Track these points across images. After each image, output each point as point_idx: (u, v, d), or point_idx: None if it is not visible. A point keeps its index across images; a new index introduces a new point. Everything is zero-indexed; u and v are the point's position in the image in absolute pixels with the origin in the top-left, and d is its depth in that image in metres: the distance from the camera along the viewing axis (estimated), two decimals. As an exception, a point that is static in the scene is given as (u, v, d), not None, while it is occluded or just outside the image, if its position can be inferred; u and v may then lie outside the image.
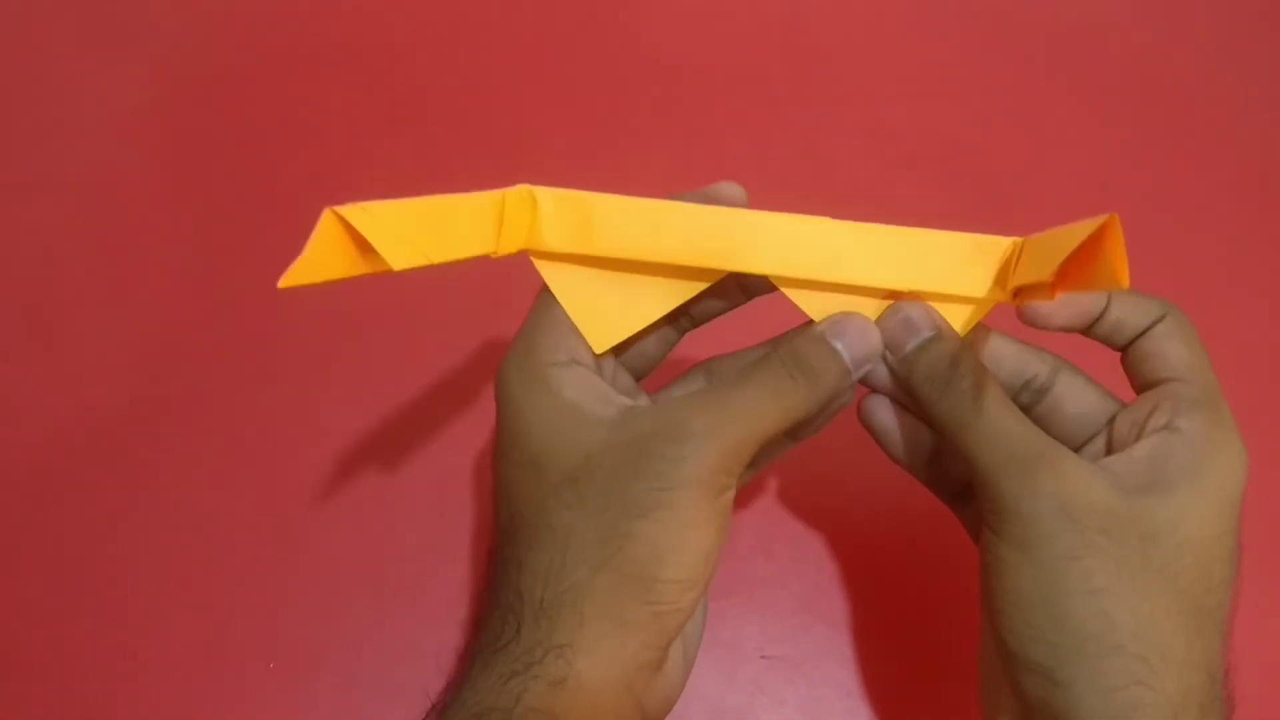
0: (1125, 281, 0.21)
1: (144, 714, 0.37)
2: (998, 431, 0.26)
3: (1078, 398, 0.29)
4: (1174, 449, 0.26)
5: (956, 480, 0.31)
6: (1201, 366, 0.27)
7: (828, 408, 0.29)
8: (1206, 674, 0.25)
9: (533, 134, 0.50)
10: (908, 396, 0.29)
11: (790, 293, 0.29)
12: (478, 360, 0.44)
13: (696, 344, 0.32)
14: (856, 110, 0.51)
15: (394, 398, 0.43)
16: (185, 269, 0.46)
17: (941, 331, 0.28)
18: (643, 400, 0.30)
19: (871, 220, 0.28)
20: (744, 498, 0.41)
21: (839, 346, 0.28)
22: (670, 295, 0.29)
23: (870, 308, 0.29)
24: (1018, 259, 0.27)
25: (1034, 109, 0.52)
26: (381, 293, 0.45)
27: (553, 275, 0.29)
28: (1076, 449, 0.28)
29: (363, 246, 0.24)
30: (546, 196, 0.28)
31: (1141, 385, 0.28)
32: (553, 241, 0.28)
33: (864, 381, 0.30)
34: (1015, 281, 0.27)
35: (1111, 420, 0.29)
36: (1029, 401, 0.29)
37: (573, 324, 0.28)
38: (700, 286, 0.29)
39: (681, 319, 0.31)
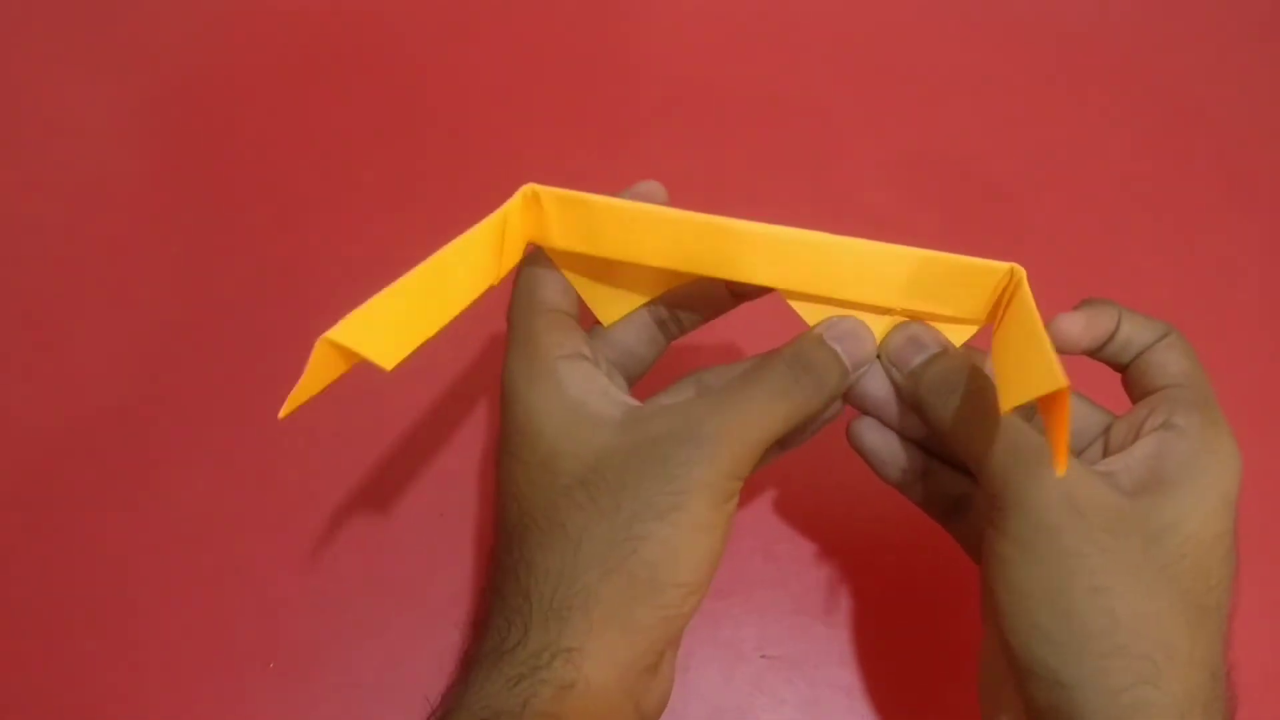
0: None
1: (144, 714, 0.37)
2: (1006, 428, 0.26)
3: (1072, 411, 0.29)
4: (1172, 447, 0.26)
5: (947, 497, 0.31)
6: (1199, 376, 0.28)
7: (820, 415, 0.30)
8: (1209, 672, 0.25)
9: (532, 143, 0.50)
10: (908, 410, 0.30)
11: (792, 302, 0.30)
12: (479, 361, 0.44)
13: (686, 352, 0.32)
14: (857, 119, 0.51)
15: (394, 398, 0.43)
16: (185, 269, 0.46)
17: (947, 349, 0.29)
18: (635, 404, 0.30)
19: (874, 230, 0.28)
20: (744, 498, 0.41)
21: (838, 349, 0.29)
22: (675, 276, 0.30)
23: (879, 324, 0.30)
24: (1013, 287, 0.27)
25: (1037, 115, 0.52)
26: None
27: (559, 256, 0.30)
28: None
29: (348, 355, 0.24)
30: (550, 196, 0.29)
31: (1139, 395, 0.29)
32: (558, 239, 0.29)
33: (853, 403, 0.31)
34: (1005, 310, 0.28)
35: (1106, 431, 0.29)
36: (1025, 416, 0.29)
37: (567, 317, 0.29)
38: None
39: (669, 325, 0.31)
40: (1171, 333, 0.29)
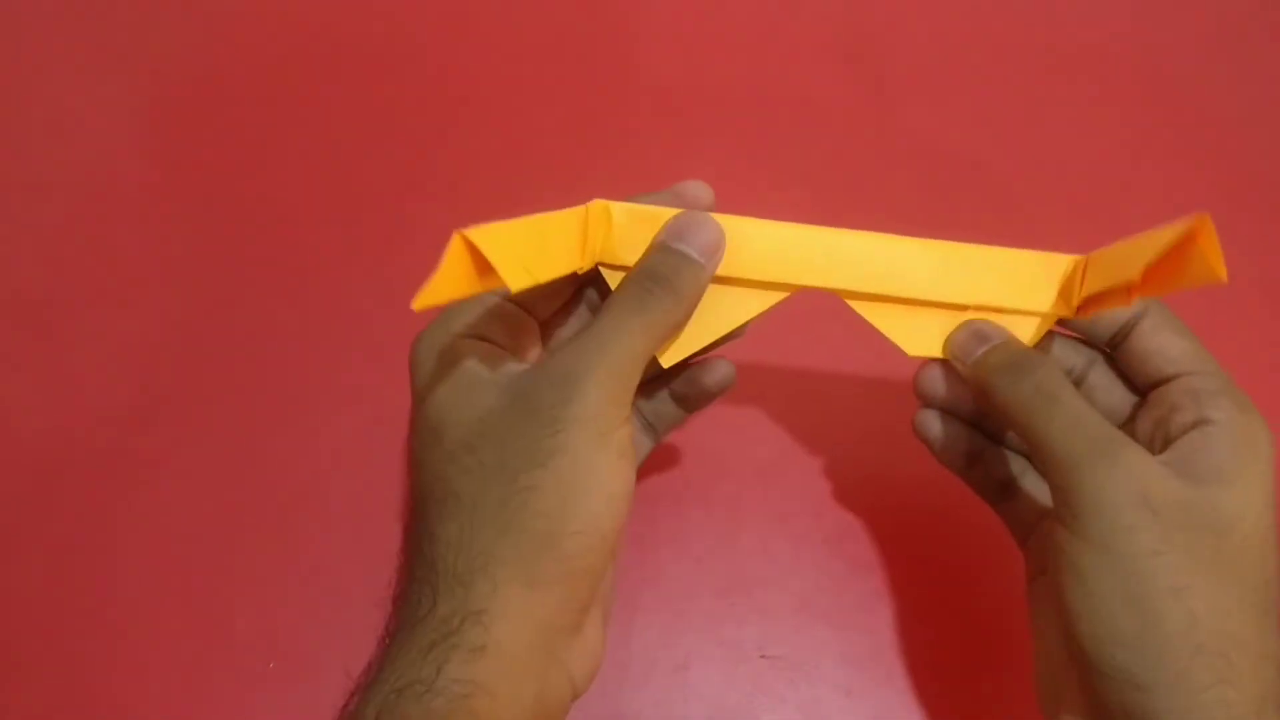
0: (1224, 275, 0.22)
1: (144, 714, 0.37)
2: (1074, 417, 0.26)
3: (1107, 389, 0.30)
4: (1216, 442, 0.26)
5: (999, 480, 0.32)
6: (1205, 354, 0.28)
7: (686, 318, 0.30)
8: (1276, 666, 0.24)
9: (533, 143, 0.50)
10: (973, 399, 0.31)
11: (858, 306, 0.30)
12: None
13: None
14: (856, 123, 0.51)
15: (394, 397, 0.43)
16: (185, 269, 0.46)
17: (1010, 339, 0.29)
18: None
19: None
20: (744, 497, 0.41)
21: (682, 247, 0.28)
22: (737, 310, 0.30)
23: (940, 320, 0.30)
24: (1082, 275, 0.28)
25: (1039, 114, 0.52)
26: (380, 292, 0.45)
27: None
28: None
29: (481, 268, 0.24)
30: (620, 211, 0.29)
31: (1147, 384, 0.29)
32: (625, 255, 0.29)
33: (919, 395, 0.32)
34: (1085, 292, 0.27)
35: (1132, 416, 0.29)
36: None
37: (499, 308, 0.29)
38: (772, 300, 0.30)
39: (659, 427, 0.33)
40: (1150, 307, 0.28)
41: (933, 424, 0.32)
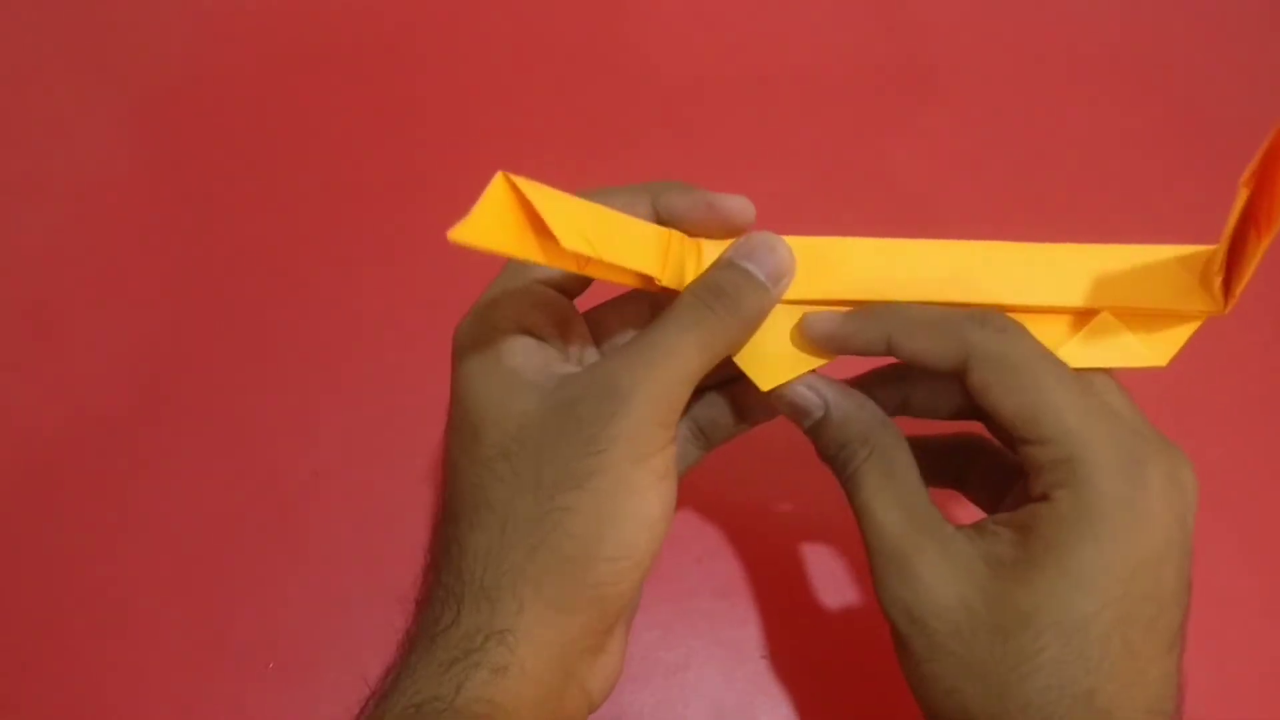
0: None
1: (144, 714, 0.37)
2: (868, 524, 0.26)
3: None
4: (1039, 525, 0.24)
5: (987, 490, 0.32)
6: (1047, 411, 0.24)
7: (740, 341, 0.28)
8: None
9: (532, 144, 0.50)
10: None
11: None
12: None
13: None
14: (860, 120, 0.51)
15: (394, 397, 0.43)
16: (184, 269, 0.46)
17: (829, 411, 0.28)
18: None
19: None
20: (745, 497, 0.41)
21: (750, 266, 0.27)
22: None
23: (1062, 328, 0.27)
24: (1222, 261, 0.25)
25: (1040, 112, 0.52)
26: (379, 291, 0.45)
27: None
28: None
29: (533, 224, 0.22)
30: (711, 248, 0.27)
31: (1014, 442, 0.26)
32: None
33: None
34: (1221, 273, 0.25)
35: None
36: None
37: (546, 299, 0.27)
38: None
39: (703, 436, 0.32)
40: (972, 355, 0.25)
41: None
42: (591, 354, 0.29)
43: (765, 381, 0.28)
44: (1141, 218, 0.48)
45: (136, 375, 0.44)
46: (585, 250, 0.23)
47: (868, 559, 0.27)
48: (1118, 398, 0.26)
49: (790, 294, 0.28)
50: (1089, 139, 0.51)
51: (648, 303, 0.30)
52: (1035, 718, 0.23)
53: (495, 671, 0.24)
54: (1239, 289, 0.25)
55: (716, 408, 0.31)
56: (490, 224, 0.21)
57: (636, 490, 0.24)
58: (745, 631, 0.39)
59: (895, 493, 0.26)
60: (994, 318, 0.26)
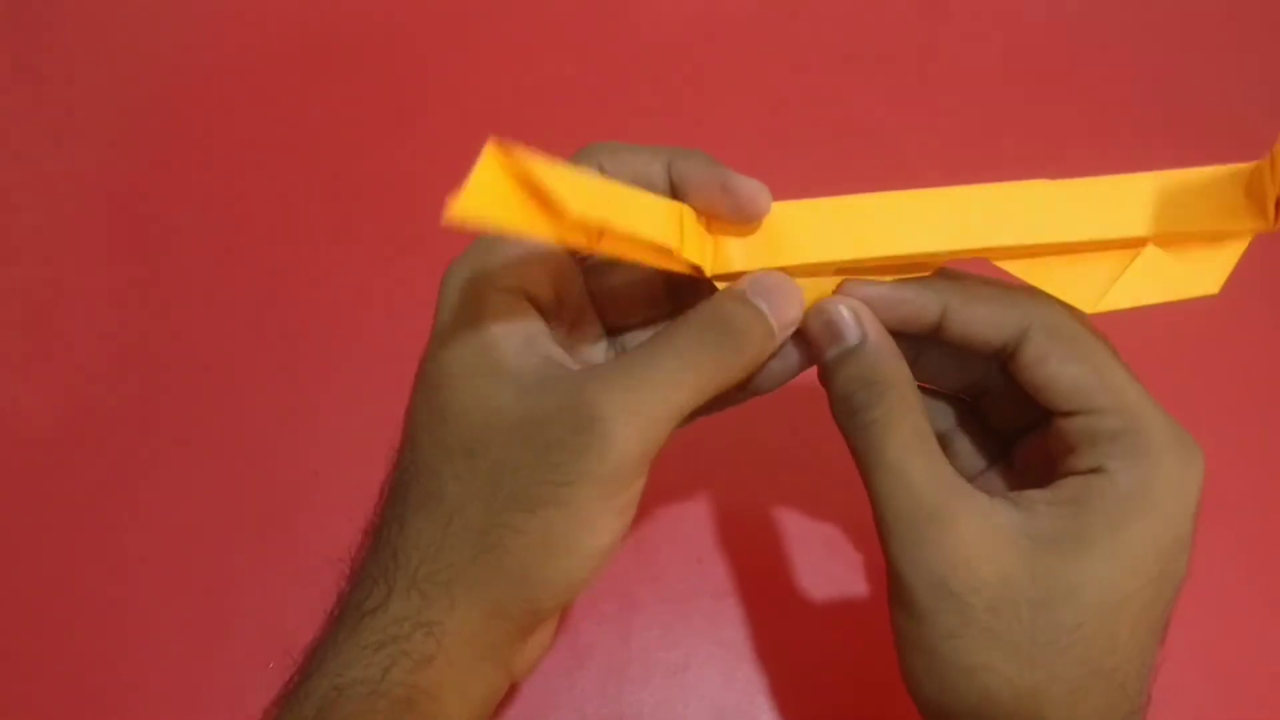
0: None
1: (144, 714, 0.37)
2: (896, 481, 0.24)
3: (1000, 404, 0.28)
4: (1094, 498, 0.23)
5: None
6: (1108, 379, 0.24)
7: (748, 386, 0.27)
8: None
9: (531, 143, 0.50)
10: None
11: (1011, 266, 0.26)
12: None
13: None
14: (862, 97, 0.51)
15: (395, 397, 0.43)
16: (184, 269, 0.46)
17: (867, 342, 0.25)
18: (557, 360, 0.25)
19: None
20: (746, 496, 0.41)
21: (764, 307, 0.25)
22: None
23: (1110, 263, 0.26)
24: (1272, 173, 0.24)
25: (1040, 112, 0.52)
26: (380, 291, 0.45)
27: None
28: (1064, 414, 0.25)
29: (537, 196, 0.20)
30: (729, 241, 0.26)
31: (1045, 408, 0.25)
32: (740, 261, 0.26)
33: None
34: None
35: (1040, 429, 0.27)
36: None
37: (550, 258, 0.25)
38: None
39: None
40: (1033, 324, 0.25)
41: None
42: (589, 320, 0.28)
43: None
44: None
45: (136, 375, 0.44)
46: (595, 217, 0.21)
47: (885, 522, 0.24)
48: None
49: (826, 256, 0.26)
50: (1090, 140, 0.51)
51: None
52: (1060, 691, 0.23)
53: (421, 661, 0.23)
54: None
55: None
56: (489, 197, 0.19)
57: (592, 526, 0.23)
58: (745, 631, 0.39)
59: (928, 453, 0.24)
60: (1050, 297, 0.25)
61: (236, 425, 0.42)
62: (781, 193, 0.26)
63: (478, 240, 0.25)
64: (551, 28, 0.53)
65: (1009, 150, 0.50)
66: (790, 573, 0.40)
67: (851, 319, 0.25)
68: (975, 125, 0.51)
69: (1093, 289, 0.26)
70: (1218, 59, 0.53)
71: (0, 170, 0.49)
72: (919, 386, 0.26)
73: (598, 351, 0.29)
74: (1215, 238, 0.25)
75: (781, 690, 0.38)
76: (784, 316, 0.25)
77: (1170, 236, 0.25)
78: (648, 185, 0.25)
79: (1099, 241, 0.25)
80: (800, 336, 0.26)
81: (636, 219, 0.23)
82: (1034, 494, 0.25)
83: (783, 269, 0.26)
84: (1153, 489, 0.23)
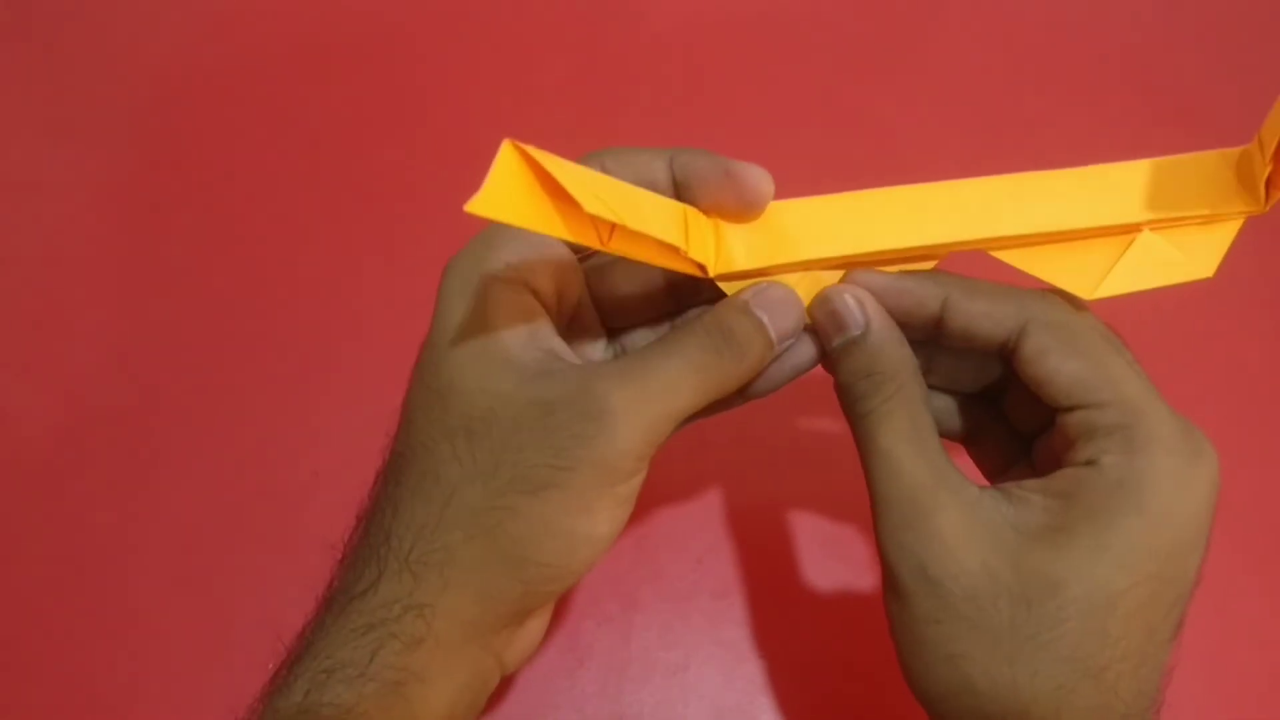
0: None
1: (144, 714, 0.37)
2: (886, 467, 0.25)
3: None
4: (1083, 491, 0.23)
5: (998, 456, 0.30)
6: (1106, 376, 0.24)
7: (745, 390, 0.27)
8: None
9: (531, 142, 0.50)
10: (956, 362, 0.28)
11: (1008, 257, 0.26)
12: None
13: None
14: (861, 95, 0.51)
15: (394, 396, 0.43)
16: (183, 268, 0.46)
17: (870, 332, 0.26)
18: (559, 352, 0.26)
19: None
20: (746, 496, 0.41)
21: (764, 318, 0.26)
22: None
23: (1108, 249, 0.26)
24: (1264, 156, 0.24)
25: (1042, 110, 0.52)
26: (380, 290, 0.45)
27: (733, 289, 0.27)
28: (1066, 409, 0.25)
29: (550, 194, 0.21)
30: (730, 231, 0.26)
31: (1050, 406, 0.25)
32: (743, 260, 0.26)
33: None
34: (1269, 170, 0.24)
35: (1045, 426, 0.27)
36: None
37: (553, 253, 0.25)
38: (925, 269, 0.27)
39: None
40: (1031, 320, 0.25)
41: (934, 399, 0.29)
42: (589, 317, 0.28)
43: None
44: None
45: (136, 375, 0.44)
46: (608, 215, 0.21)
47: (876, 506, 0.25)
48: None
49: (826, 252, 0.26)
50: (1090, 139, 0.51)
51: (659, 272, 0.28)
52: (1043, 687, 0.23)
53: (409, 643, 0.24)
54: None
55: None
56: (507, 194, 0.20)
57: (591, 512, 0.24)
58: (745, 631, 0.39)
59: (920, 443, 0.25)
60: (1050, 294, 0.26)
61: (236, 425, 0.42)
62: (782, 191, 0.26)
63: (479, 236, 0.26)
64: (551, 28, 0.53)
65: (1007, 144, 0.50)
66: (790, 572, 0.40)
67: (855, 307, 0.26)
68: (973, 120, 0.51)
69: (1091, 276, 0.26)
70: (1208, 51, 0.53)
71: (0, 170, 0.49)
72: (936, 387, 0.27)
73: (597, 350, 0.29)
74: (1209, 221, 0.26)
75: (782, 690, 0.38)
76: (783, 329, 0.26)
77: (1165, 221, 0.26)
78: (651, 185, 0.25)
79: (1095, 229, 0.26)
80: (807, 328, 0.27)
81: (646, 217, 0.23)
82: (1030, 486, 0.25)
83: (785, 265, 0.26)
84: (1144, 483, 0.23)
